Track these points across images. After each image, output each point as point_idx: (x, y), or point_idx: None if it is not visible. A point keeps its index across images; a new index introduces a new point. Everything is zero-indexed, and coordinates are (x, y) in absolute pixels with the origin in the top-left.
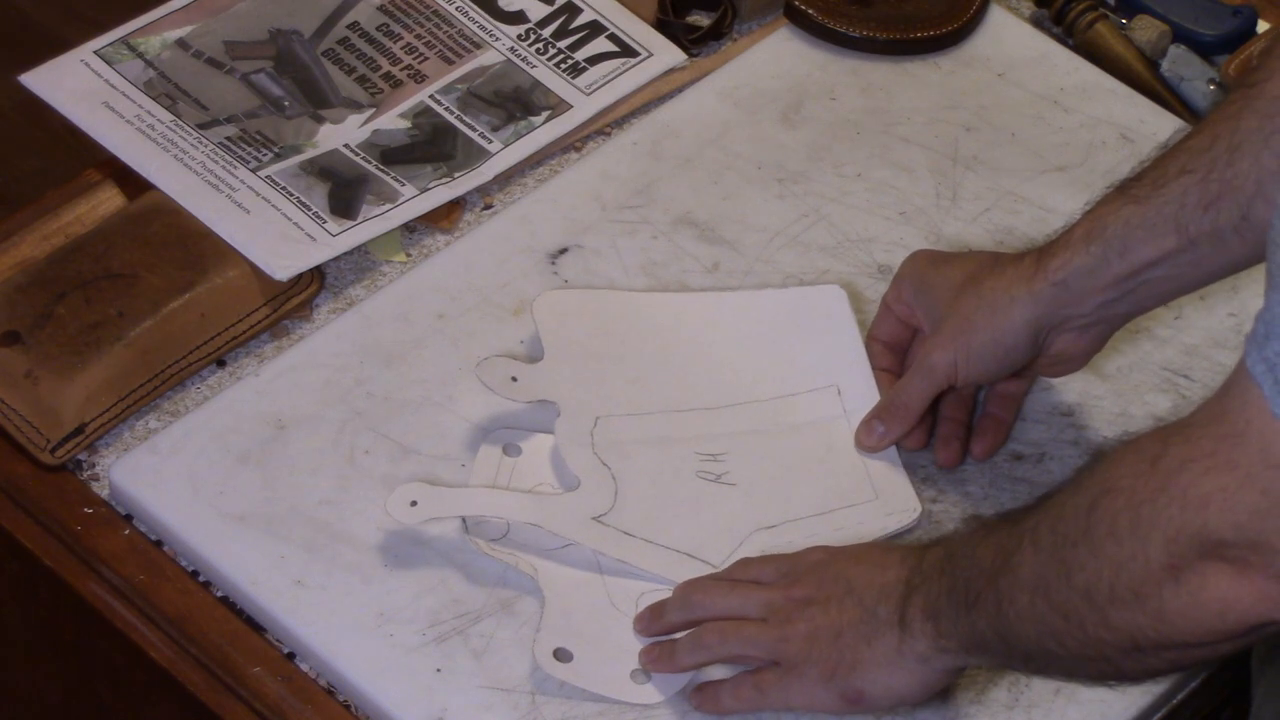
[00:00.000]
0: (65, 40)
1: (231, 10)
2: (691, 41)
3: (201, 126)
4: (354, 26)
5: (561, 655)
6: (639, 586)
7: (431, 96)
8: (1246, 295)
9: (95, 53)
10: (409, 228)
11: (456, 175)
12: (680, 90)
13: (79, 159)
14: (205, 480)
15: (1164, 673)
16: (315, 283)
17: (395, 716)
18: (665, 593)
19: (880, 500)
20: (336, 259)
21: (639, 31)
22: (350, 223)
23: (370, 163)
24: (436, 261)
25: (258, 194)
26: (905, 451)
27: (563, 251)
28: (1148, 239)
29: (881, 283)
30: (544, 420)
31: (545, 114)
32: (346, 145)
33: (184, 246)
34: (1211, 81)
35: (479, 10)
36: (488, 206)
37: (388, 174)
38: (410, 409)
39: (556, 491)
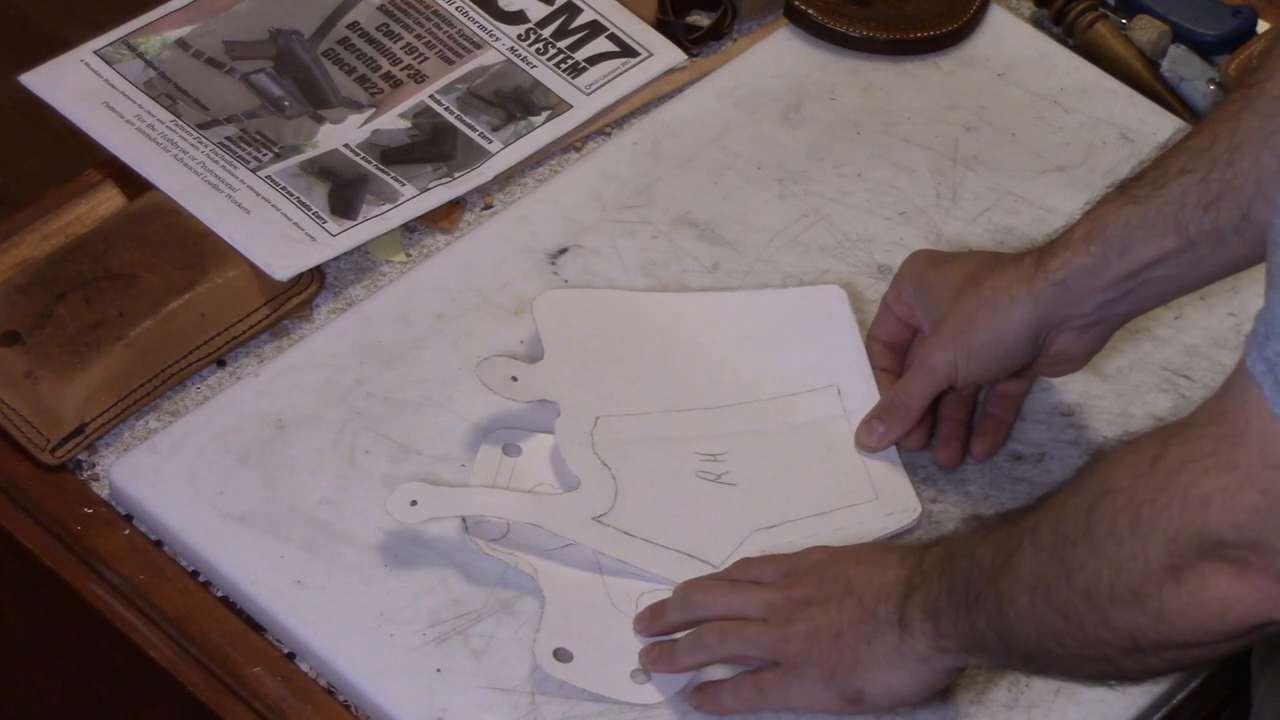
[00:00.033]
0: (65, 40)
1: (231, 10)
2: (691, 41)
3: (201, 126)
4: (354, 26)
5: (561, 655)
6: (639, 586)
7: (431, 96)
8: (1246, 295)
9: (95, 53)
10: (409, 228)
11: (456, 175)
12: (680, 90)
13: (79, 159)
14: (205, 480)
15: (1164, 673)
16: (315, 283)
17: (395, 716)
18: (665, 593)
19: (880, 500)
20: (336, 259)
21: (639, 31)
22: (350, 223)
23: (370, 163)
24: (436, 261)
25: (258, 194)
26: (905, 451)
27: (563, 251)
28: (1148, 239)
29: (881, 283)
30: (544, 420)
31: (545, 114)
32: (346, 145)
33: (184, 246)
34: (1211, 81)
35: (479, 10)
36: (488, 206)
37: (388, 174)
38: (410, 409)
39: (556, 491)
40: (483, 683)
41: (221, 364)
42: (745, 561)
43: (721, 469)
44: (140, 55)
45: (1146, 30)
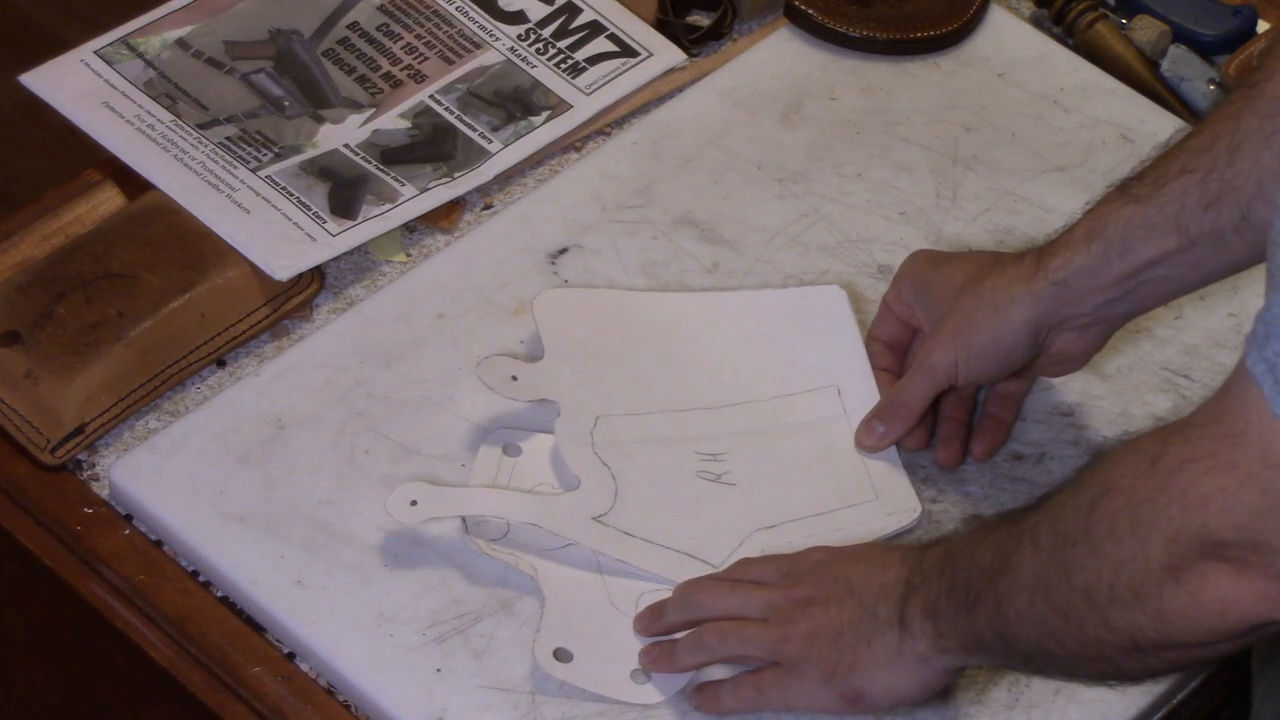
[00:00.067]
0: (65, 40)
1: (231, 10)
2: (691, 41)
3: (201, 126)
4: (354, 26)
5: (561, 655)
6: (639, 586)
7: (431, 96)
8: (1246, 295)
9: (95, 53)
10: (409, 228)
11: (456, 175)
12: (680, 90)
13: (79, 159)
14: (205, 480)
15: (1164, 673)
16: (315, 283)
17: (395, 716)
18: (665, 593)
19: (880, 500)
20: (336, 259)
21: (639, 31)
22: (350, 223)
23: (370, 163)
24: (436, 261)
25: (258, 194)
26: (905, 451)
27: (563, 251)
28: (1148, 239)
29: (881, 283)
30: (544, 420)
31: (545, 114)
32: (346, 145)
33: (184, 246)
34: (1211, 81)
35: (479, 10)
36: (488, 206)
37: (388, 174)
38: (410, 409)
39: (556, 491)
40: (483, 683)
41: (221, 364)
42: (745, 562)
43: (722, 469)
44: (140, 55)
45: (1146, 30)
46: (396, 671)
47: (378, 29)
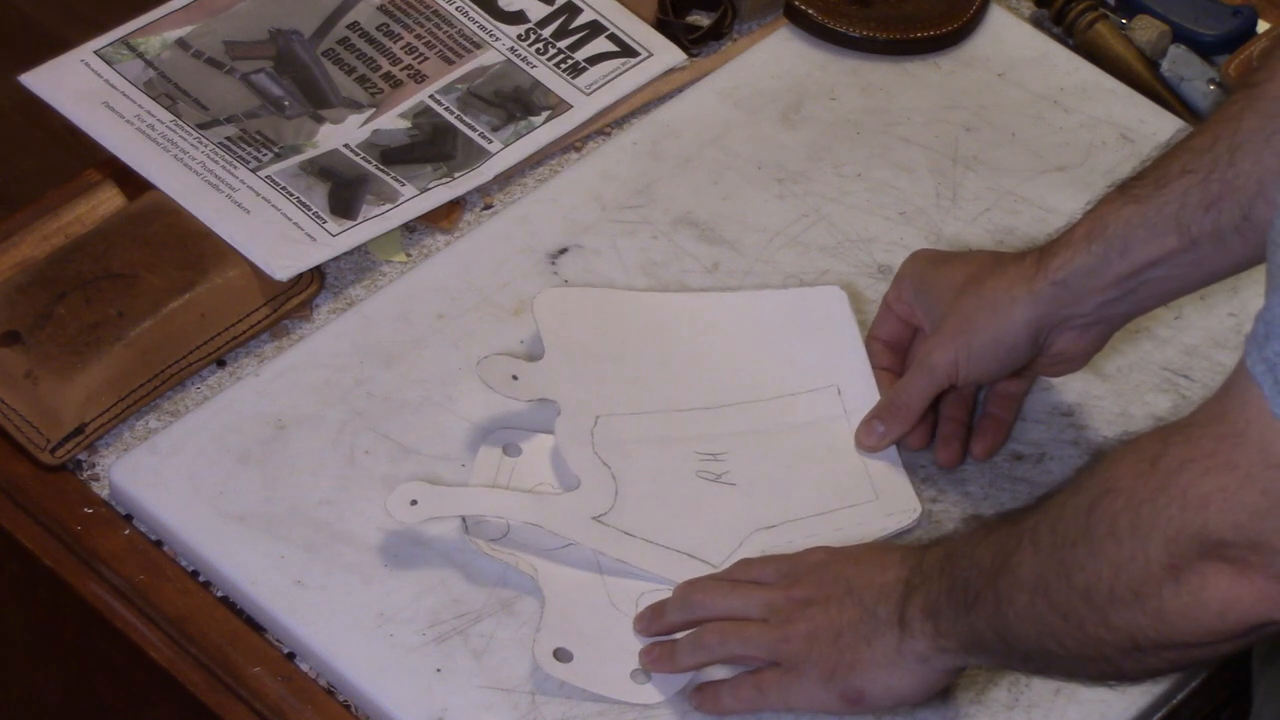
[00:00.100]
0: (65, 40)
1: (231, 10)
2: (691, 41)
3: (201, 126)
4: (354, 26)
5: (561, 655)
6: (639, 586)
7: (431, 96)
8: (1246, 295)
9: (95, 53)
10: (409, 228)
11: (456, 175)
12: (680, 90)
13: (79, 159)
14: (205, 480)
15: (1164, 673)
16: (315, 283)
17: (395, 716)
18: (665, 593)
19: (880, 500)
20: (336, 259)
21: (639, 31)
22: (350, 223)
23: (370, 163)
24: (436, 261)
25: (258, 194)
26: (905, 451)
27: (563, 251)
28: (1149, 239)
29: (881, 283)
30: (544, 420)
31: (545, 114)
32: (346, 145)
33: (184, 246)
34: (1211, 81)
35: (479, 10)
36: (488, 206)
37: (388, 174)
38: (410, 409)
39: (556, 491)
40: (483, 683)
41: (221, 364)
42: (745, 562)
43: (722, 469)
44: (140, 55)
45: (1146, 30)
46: (396, 671)
47: (378, 29)
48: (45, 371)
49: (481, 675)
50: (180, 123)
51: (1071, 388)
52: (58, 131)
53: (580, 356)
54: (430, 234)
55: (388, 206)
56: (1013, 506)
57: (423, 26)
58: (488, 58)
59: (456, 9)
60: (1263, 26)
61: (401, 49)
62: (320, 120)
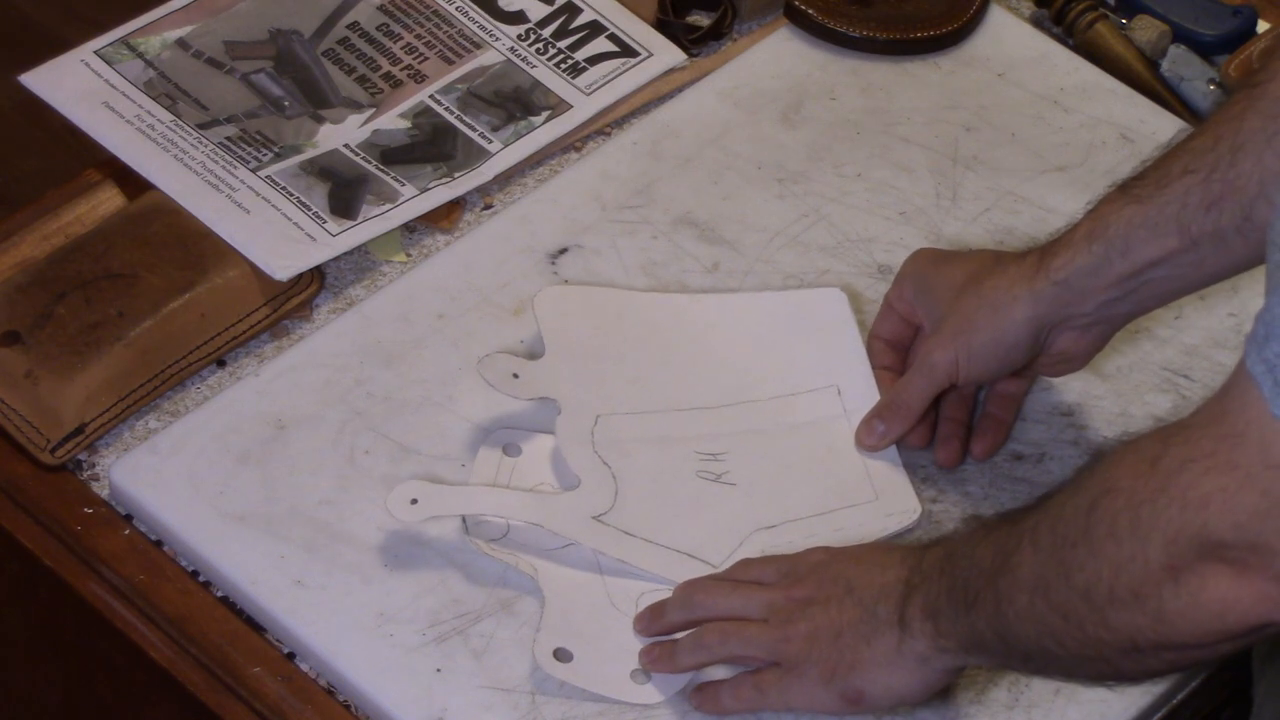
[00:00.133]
0: (65, 40)
1: (231, 10)
2: (691, 41)
3: (201, 126)
4: (354, 26)
5: (561, 655)
6: (639, 586)
7: (431, 96)
8: (1246, 295)
9: (95, 53)
10: (409, 228)
11: (456, 175)
12: (680, 90)
13: (79, 159)
14: (205, 480)
15: (1163, 673)
16: (315, 283)
17: (395, 716)
18: (665, 593)
19: (880, 501)
20: (336, 259)
21: (639, 31)
22: (350, 223)
23: (370, 163)
24: (436, 261)
25: (258, 194)
26: (906, 451)
27: (563, 251)
28: (1150, 239)
29: (881, 283)
30: (544, 421)
31: (545, 114)
32: (346, 145)
33: (184, 246)
34: (1211, 81)
35: (479, 10)
36: (488, 206)
37: (388, 174)
38: (410, 409)
39: (557, 491)
40: (483, 683)
41: (221, 364)
42: (746, 562)
43: (722, 469)
44: (140, 55)
45: (1146, 30)
46: (396, 671)
47: (378, 29)
48: (45, 371)
49: (481, 675)
50: (180, 123)
51: (1071, 388)
52: (58, 131)
53: (581, 355)
54: (430, 234)
55: (388, 206)
56: (1013, 506)
57: (423, 26)
58: (488, 58)
59: (456, 9)
60: (1263, 26)
61: (401, 49)
62: (320, 120)
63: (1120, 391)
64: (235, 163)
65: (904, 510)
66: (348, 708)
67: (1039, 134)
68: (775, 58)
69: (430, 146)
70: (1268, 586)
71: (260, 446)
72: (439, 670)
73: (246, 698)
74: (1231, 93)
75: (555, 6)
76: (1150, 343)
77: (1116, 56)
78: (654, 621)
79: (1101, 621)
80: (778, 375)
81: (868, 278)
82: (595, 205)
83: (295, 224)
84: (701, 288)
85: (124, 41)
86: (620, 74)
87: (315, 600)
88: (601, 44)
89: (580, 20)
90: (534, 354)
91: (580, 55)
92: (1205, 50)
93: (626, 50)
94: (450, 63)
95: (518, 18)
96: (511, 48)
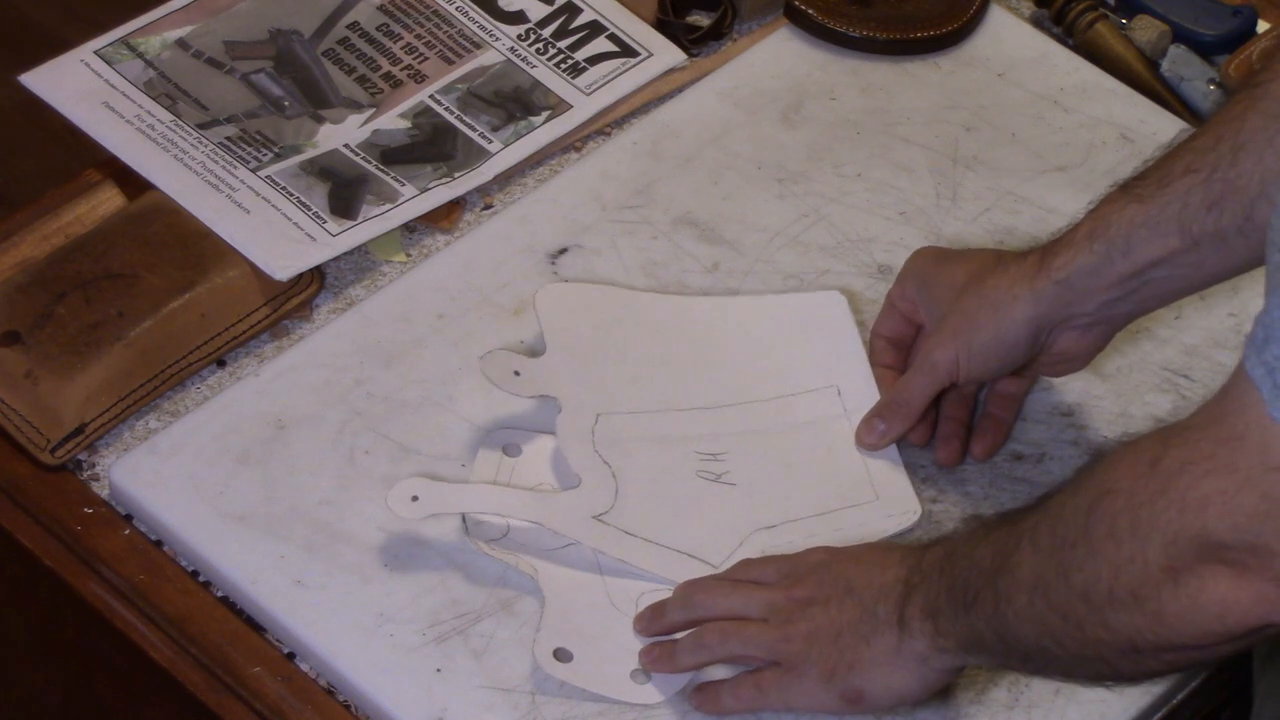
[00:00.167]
0: (65, 40)
1: (231, 10)
2: (691, 41)
3: (201, 126)
4: (354, 26)
5: (561, 655)
6: (639, 586)
7: (431, 96)
8: (1246, 296)
9: (95, 53)
10: (409, 228)
11: (456, 175)
12: (680, 90)
13: (79, 159)
14: (205, 480)
15: (1161, 674)
16: (315, 283)
17: (395, 716)
18: (665, 593)
19: (880, 501)
20: (336, 259)
21: (639, 31)
22: (350, 223)
23: (370, 163)
24: (436, 261)
25: (258, 194)
26: (906, 451)
27: (563, 251)
28: (1151, 239)
29: (881, 283)
30: (544, 421)
31: (545, 114)
32: (346, 145)
33: (184, 246)
34: (1211, 81)
35: (479, 10)
36: (488, 206)
37: (388, 174)
38: (410, 409)
39: (557, 491)
40: (483, 683)
41: (221, 364)
42: (746, 562)
43: (722, 469)
44: (140, 55)
45: (1146, 30)
46: (396, 671)
47: (378, 29)
48: (45, 371)
49: (481, 675)
50: (180, 123)
51: (1071, 388)
52: (58, 131)
53: (582, 353)
54: (430, 234)
55: (388, 206)
56: (1013, 506)
57: (423, 26)
58: (488, 58)
59: (456, 9)
60: (1263, 26)
61: (401, 49)
62: (320, 120)
63: (1120, 391)
64: (235, 163)
65: (904, 510)
66: (348, 708)
67: (1039, 134)
68: (775, 58)
69: (430, 146)
70: (1267, 588)
71: (260, 446)
72: (439, 670)
73: (246, 698)
74: (1231, 93)
75: (555, 6)
76: (1150, 343)
77: (1116, 56)
78: (654, 621)
79: (1100, 622)
80: (778, 375)
81: (868, 278)
82: (595, 205)
83: (295, 224)
84: (701, 287)
85: (124, 41)
86: (620, 74)
87: (315, 600)
88: (601, 44)
89: (580, 20)
90: (535, 354)
91: (580, 55)
92: (1205, 50)
93: (626, 50)
94: (450, 63)
95: (518, 18)
96: (511, 48)
